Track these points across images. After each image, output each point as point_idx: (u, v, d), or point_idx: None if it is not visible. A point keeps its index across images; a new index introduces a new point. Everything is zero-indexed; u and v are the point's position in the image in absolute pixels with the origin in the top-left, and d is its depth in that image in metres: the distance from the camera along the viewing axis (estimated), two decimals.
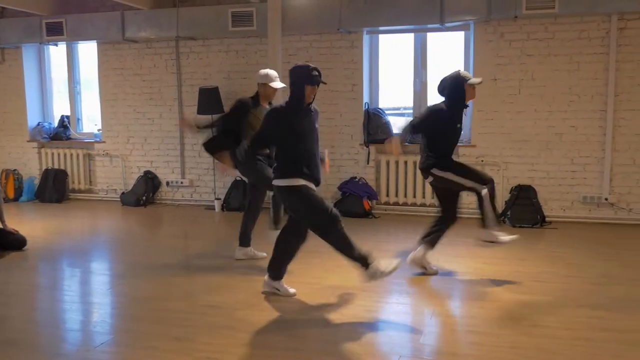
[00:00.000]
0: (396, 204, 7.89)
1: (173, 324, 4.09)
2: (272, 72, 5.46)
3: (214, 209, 8.34)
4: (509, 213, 7.16)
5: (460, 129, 5.05)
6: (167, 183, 8.93)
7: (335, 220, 4.22)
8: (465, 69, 7.63)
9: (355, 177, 7.91)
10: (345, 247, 4.23)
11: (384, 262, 4.23)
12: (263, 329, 4.00)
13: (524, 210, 7.12)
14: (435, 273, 5.12)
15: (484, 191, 4.91)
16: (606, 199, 7.14)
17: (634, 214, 7.11)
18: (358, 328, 4.02)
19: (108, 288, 5.09)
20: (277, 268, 4.59)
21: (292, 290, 4.61)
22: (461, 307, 4.56)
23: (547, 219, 7.15)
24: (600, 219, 7.21)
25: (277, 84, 5.33)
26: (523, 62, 7.26)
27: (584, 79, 7.11)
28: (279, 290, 4.60)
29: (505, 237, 4.96)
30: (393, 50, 8.20)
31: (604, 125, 7.09)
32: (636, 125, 7.02)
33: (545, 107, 7.23)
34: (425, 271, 5.12)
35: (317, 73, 4.36)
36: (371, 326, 4.09)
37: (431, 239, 5.09)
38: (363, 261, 4.22)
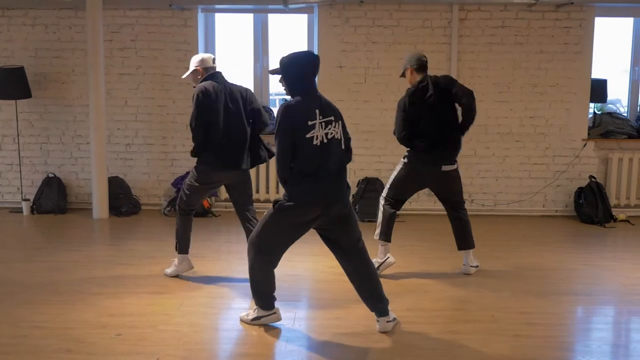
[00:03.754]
0: None
1: None
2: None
3: (22, 211, 7.68)
4: (357, 207, 7.51)
5: None
6: None
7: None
8: None
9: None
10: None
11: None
12: (105, 349, 3.80)
13: (372, 203, 7.46)
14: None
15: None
16: None
17: (475, 204, 7.84)
18: (219, 336, 3.98)
19: None
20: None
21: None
22: (322, 308, 4.70)
23: None
24: (445, 210, 7.81)
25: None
26: (369, 50, 7.65)
27: (428, 69, 7.65)
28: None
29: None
30: (231, 32, 8.18)
31: None
32: (478, 115, 7.71)
33: (391, 97, 7.63)
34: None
35: None
36: (236, 333, 4.09)
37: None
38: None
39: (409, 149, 5.33)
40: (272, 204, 3.97)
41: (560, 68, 7.69)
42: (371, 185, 7.64)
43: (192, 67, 5.09)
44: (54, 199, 7.70)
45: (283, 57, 4.00)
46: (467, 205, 7.71)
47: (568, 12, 7.60)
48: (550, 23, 7.63)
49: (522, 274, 5.45)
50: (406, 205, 7.74)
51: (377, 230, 5.43)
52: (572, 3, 7.36)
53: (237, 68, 8.27)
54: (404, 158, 5.41)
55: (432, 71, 7.55)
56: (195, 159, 5.06)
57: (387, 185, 5.51)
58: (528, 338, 4.06)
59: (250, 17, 7.95)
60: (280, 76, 4.04)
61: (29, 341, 3.91)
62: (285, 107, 3.87)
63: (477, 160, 7.83)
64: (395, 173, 5.45)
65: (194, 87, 5.06)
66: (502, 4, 7.52)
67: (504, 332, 4.14)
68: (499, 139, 7.80)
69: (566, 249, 6.51)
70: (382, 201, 5.50)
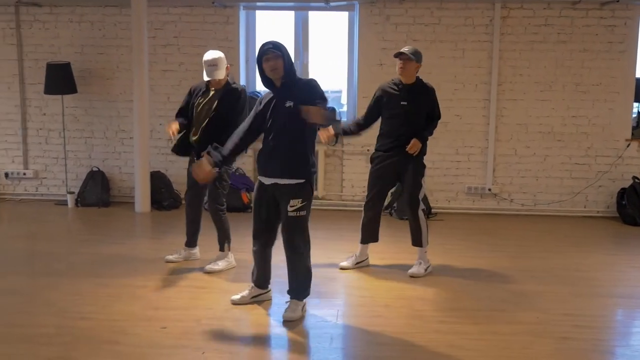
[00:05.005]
0: None
1: (42, 343, 3.77)
2: None
3: (67, 204, 7.78)
4: (395, 205, 7.43)
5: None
6: (6, 175, 8.19)
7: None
8: (349, 53, 7.88)
9: (237, 168, 7.79)
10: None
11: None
12: (151, 342, 3.81)
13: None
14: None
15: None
16: (489, 190, 7.67)
17: (515, 204, 7.70)
18: (265, 331, 3.97)
19: None
20: None
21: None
22: (364, 306, 4.64)
23: (433, 210, 7.52)
24: (484, 209, 7.73)
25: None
26: None
27: (469, 67, 7.56)
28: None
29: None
30: (272, 29, 8.16)
31: (487, 114, 7.59)
32: (517, 115, 7.60)
33: None
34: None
35: None
36: (281, 329, 4.07)
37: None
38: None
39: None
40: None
41: (604, 67, 7.49)
42: None
43: (224, 66, 5.08)
44: (97, 192, 7.78)
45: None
46: (507, 204, 7.67)
47: (613, 10, 7.40)
48: (594, 21, 7.44)
49: (565, 275, 5.32)
50: (444, 204, 7.72)
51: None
52: (618, 1, 7.16)
53: None
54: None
55: (473, 69, 7.55)
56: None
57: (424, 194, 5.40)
58: (574, 341, 3.94)
59: (291, 14, 7.92)
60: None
61: (76, 332, 3.93)
62: None
63: (517, 160, 7.67)
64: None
65: (234, 85, 5.10)
66: (545, 1, 7.36)
67: (549, 334, 4.04)
68: (539, 138, 7.64)
69: (609, 250, 6.35)
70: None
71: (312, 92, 4.09)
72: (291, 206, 4.09)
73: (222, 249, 5.29)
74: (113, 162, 8.10)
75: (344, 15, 7.86)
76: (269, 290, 4.56)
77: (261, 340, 4.00)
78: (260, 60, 4.10)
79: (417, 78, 5.22)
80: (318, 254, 5.49)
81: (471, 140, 7.65)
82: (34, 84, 7.99)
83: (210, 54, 5.05)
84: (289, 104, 4.05)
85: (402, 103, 5.09)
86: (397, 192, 7.49)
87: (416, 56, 5.09)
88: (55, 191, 8.15)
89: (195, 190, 5.33)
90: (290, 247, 4.20)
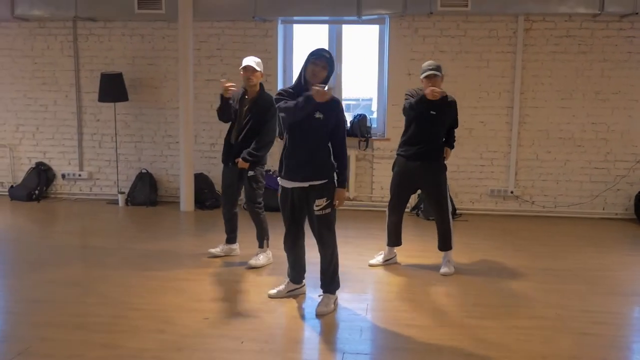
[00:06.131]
0: None
1: (95, 330, 3.84)
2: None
3: (118, 203, 7.93)
4: (422, 206, 7.39)
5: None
6: (63, 176, 8.38)
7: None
8: (380, 63, 7.86)
9: (270, 170, 7.83)
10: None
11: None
12: (196, 330, 3.85)
13: None
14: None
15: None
16: (512, 192, 7.58)
17: (536, 206, 7.59)
18: (299, 323, 3.99)
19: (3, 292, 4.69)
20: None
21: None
22: (391, 301, 4.63)
23: (457, 211, 7.47)
24: (506, 210, 7.64)
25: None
26: (436, 58, 7.48)
27: (493, 76, 7.49)
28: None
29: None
30: (307, 41, 8.21)
31: (510, 121, 7.50)
32: (539, 121, 7.50)
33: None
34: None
35: None
36: (300, 324, 4.08)
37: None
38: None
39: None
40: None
41: (623, 76, 7.34)
42: None
43: (259, 67, 5.12)
44: (146, 192, 7.91)
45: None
46: (528, 206, 7.57)
47: (632, 22, 7.26)
48: (614, 32, 7.30)
49: (585, 274, 5.22)
50: (469, 205, 7.65)
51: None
52: (637, 13, 7.00)
53: None
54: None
55: (497, 78, 7.47)
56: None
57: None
58: (594, 336, 3.87)
59: (325, 27, 7.95)
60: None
61: (128, 321, 4.00)
62: None
63: (538, 164, 7.57)
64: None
65: (268, 92, 5.15)
66: (567, 14, 7.25)
67: (569, 329, 3.97)
68: (560, 143, 7.52)
69: (627, 250, 6.22)
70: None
71: (340, 113, 4.14)
72: (317, 205, 4.11)
73: (261, 246, 5.33)
74: (160, 165, 8.22)
75: (375, 28, 7.85)
76: (303, 285, 4.58)
77: (295, 331, 4.02)
78: (308, 60, 4.05)
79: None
80: (349, 252, 5.53)
81: (494, 145, 7.57)
82: (89, 92, 8.16)
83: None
84: (318, 115, 4.04)
85: (431, 112, 5.05)
86: (423, 194, 7.47)
87: (441, 71, 5.05)
88: (108, 191, 8.31)
89: (229, 192, 5.38)
90: (320, 244, 4.23)
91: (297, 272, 4.51)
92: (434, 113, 5.03)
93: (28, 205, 7.91)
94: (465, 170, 7.62)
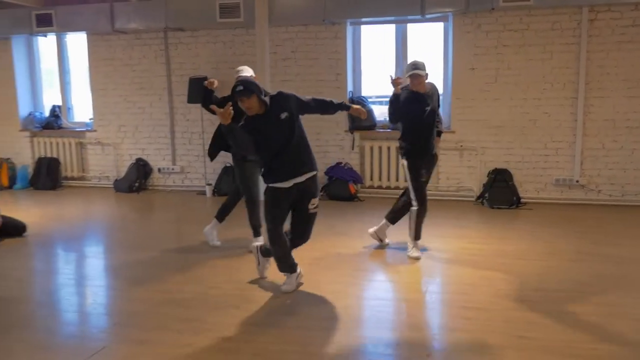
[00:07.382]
0: (380, 187, 7.91)
1: (179, 305, 4.05)
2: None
3: (205, 194, 8.25)
4: (487, 195, 7.23)
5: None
6: (159, 170, 8.81)
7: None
8: (444, 59, 7.72)
9: (341, 162, 7.90)
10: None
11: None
12: (268, 308, 3.99)
13: (500, 192, 7.20)
14: (386, 245, 5.41)
15: (414, 208, 5.10)
16: (577, 181, 7.26)
17: (603, 195, 7.24)
18: (353, 306, 4.04)
19: (106, 271, 5.01)
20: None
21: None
22: (452, 284, 4.59)
23: (522, 200, 7.24)
24: (572, 200, 7.32)
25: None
26: (499, 52, 7.30)
27: (557, 68, 7.18)
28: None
29: (414, 253, 5.11)
30: (375, 41, 8.16)
31: (575, 111, 7.18)
32: (605, 111, 7.13)
33: (520, 95, 7.29)
34: (380, 243, 5.42)
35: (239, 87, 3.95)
36: (363, 305, 4.12)
37: (394, 217, 5.35)
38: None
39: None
40: None
41: None
42: (500, 176, 7.30)
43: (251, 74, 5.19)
44: (230, 184, 8.16)
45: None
46: (594, 195, 7.23)
47: None
48: None
49: None
50: (534, 194, 7.39)
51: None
52: None
53: (379, 72, 8.22)
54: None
55: (561, 70, 7.17)
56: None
57: None
58: None
59: (392, 27, 7.89)
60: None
61: (209, 298, 4.18)
62: None
63: (604, 153, 7.20)
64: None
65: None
66: (633, 3, 6.84)
67: (625, 315, 3.79)
68: (627, 132, 7.12)
69: None
70: None
71: (291, 99, 4.08)
72: (312, 204, 4.19)
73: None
74: None
75: (439, 26, 7.72)
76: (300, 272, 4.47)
77: (356, 309, 4.06)
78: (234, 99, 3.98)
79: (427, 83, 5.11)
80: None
81: (559, 135, 7.27)
82: (179, 95, 8.51)
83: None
84: (284, 115, 4.01)
85: (426, 108, 5.03)
86: (488, 183, 7.31)
87: (424, 69, 5.01)
88: (197, 183, 8.65)
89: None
90: (305, 237, 4.31)
91: (292, 260, 4.39)
92: (428, 108, 5.04)
93: (129, 196, 8.38)
94: (530, 160, 7.37)
